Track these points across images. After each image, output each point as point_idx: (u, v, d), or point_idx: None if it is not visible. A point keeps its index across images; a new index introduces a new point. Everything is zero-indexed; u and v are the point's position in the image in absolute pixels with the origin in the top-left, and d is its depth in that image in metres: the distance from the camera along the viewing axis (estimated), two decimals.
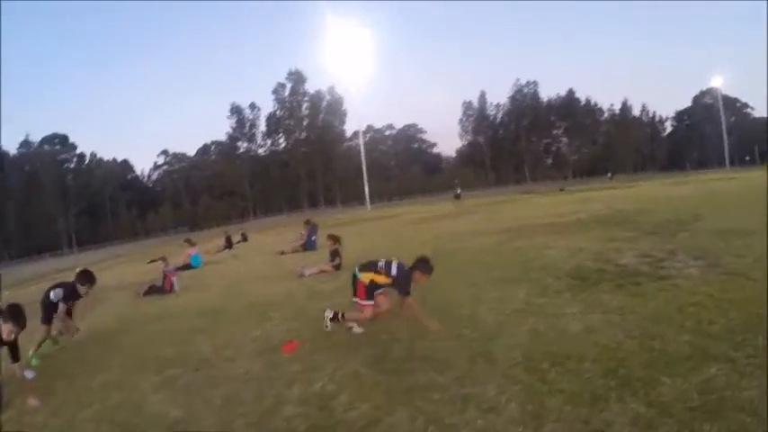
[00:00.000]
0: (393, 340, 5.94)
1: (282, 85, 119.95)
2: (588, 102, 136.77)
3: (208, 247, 28.62)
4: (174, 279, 13.33)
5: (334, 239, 12.91)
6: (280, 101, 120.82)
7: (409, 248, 13.63)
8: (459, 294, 7.63)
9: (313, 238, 18.94)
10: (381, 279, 6.25)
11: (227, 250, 25.88)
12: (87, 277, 7.77)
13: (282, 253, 18.75)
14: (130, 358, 6.82)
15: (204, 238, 41.32)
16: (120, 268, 27.23)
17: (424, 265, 6.25)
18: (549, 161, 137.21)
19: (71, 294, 7.76)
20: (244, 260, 19.82)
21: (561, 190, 51.38)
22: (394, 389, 4.49)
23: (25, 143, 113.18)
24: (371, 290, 6.32)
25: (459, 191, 40.27)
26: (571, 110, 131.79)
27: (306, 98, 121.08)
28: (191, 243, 20.88)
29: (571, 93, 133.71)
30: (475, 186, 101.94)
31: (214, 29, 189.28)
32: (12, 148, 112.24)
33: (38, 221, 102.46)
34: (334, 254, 12.56)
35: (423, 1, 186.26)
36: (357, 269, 6.47)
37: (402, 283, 6.14)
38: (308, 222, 20.40)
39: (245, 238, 31.09)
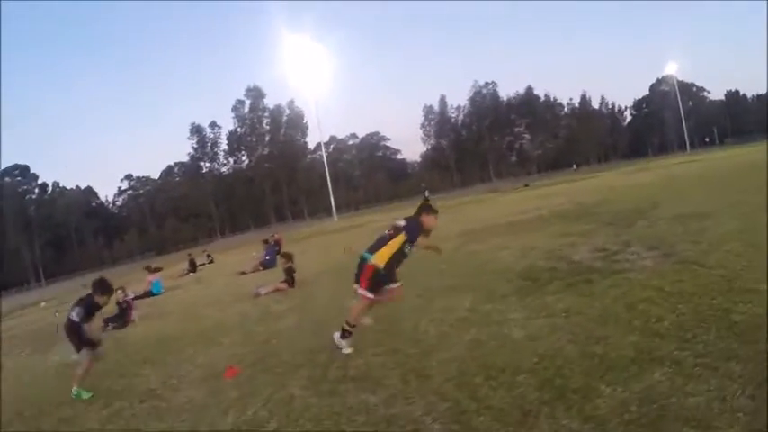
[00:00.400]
0: (332, 360, 5.67)
1: (242, 102, 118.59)
2: (548, 97, 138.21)
3: (173, 271, 28.22)
4: (133, 309, 13.20)
5: (287, 257, 12.76)
6: (240, 118, 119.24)
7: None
8: (404, 305, 7.29)
9: (267, 257, 18.73)
10: (400, 239, 6.00)
11: (190, 274, 25.31)
12: (103, 287, 7.18)
13: (243, 273, 18.50)
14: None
15: (171, 261, 40.71)
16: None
17: (426, 208, 6.39)
18: (513, 158, 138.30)
19: (92, 308, 7.14)
20: (205, 283, 19.42)
21: (526, 186, 51.64)
22: (323, 412, 4.33)
23: None
24: (378, 280, 5.95)
25: (427, 194, 39.69)
26: (531, 107, 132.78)
27: (266, 114, 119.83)
28: (150, 270, 20.75)
29: (530, 90, 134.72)
30: (441, 189, 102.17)
31: (170, 49, 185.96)
32: None
33: (2, 255, 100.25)
34: (288, 271, 12.29)
35: (374, 10, 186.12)
36: (366, 252, 6.11)
37: (413, 228, 6.09)
38: (265, 242, 20.29)
39: (210, 260, 30.54)
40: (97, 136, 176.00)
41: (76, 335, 6.93)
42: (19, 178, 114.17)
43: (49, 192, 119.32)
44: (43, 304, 33.29)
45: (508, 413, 3.55)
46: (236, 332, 8.41)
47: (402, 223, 6.12)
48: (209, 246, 67.44)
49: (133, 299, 15.89)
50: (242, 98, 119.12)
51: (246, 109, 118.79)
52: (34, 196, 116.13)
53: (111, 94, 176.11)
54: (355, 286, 5.99)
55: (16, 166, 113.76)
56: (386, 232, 6.19)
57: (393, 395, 4.39)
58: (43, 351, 11.42)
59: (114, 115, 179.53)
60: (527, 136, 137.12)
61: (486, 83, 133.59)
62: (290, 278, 12.14)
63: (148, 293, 18.37)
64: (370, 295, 5.87)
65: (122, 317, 12.78)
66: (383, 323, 6.62)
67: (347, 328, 5.89)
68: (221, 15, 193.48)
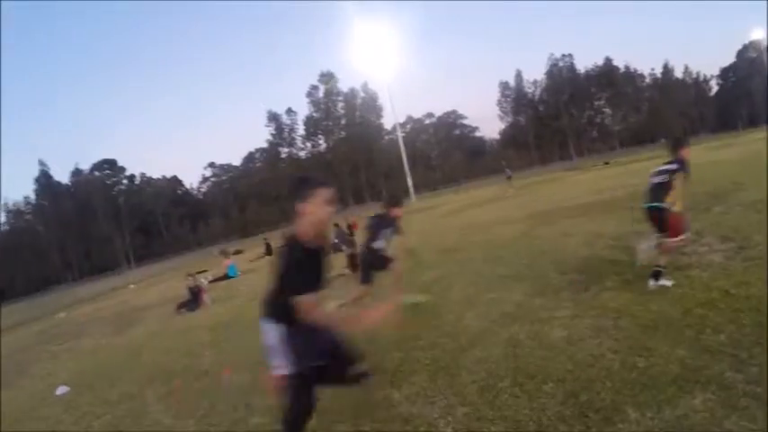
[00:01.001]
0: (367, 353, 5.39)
1: (316, 87, 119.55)
2: (628, 68, 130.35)
3: (251, 254, 29.18)
4: (205, 293, 14.02)
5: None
6: (315, 103, 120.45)
7: (433, 242, 13.84)
8: (454, 296, 7.10)
9: (336, 240, 18.68)
10: (680, 176, 5.99)
11: (267, 257, 25.85)
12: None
13: None
14: (145, 371, 7.70)
15: (253, 244, 41.69)
16: (170, 282, 27.79)
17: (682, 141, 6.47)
18: (594, 134, 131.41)
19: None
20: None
21: (606, 163, 49.46)
22: (345, 405, 4.32)
23: (77, 171, 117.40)
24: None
25: (509, 172, 38.32)
26: (611, 79, 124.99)
27: (340, 97, 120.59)
28: (226, 255, 21.34)
29: (608, 61, 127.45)
30: (519, 167, 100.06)
31: (243, 36, 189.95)
32: (64, 177, 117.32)
33: (96, 243, 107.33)
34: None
35: None
36: (652, 203, 6.11)
37: (682, 162, 6.12)
38: (335, 225, 20.25)
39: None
40: (181, 128, 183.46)
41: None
42: (108, 171, 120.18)
43: (137, 182, 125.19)
44: (132, 286, 35.00)
45: (524, 426, 3.32)
46: None
47: (672, 166, 6.06)
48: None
49: (210, 281, 18.05)
50: (315, 83, 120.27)
51: (321, 94, 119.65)
52: (123, 187, 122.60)
53: (188, 86, 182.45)
54: (658, 237, 6.20)
55: (105, 161, 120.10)
56: (655, 180, 6.15)
57: (417, 393, 4.34)
58: (118, 333, 12.59)
59: (194, 106, 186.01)
60: (607, 110, 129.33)
61: (563, 55, 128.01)
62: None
63: (225, 276, 19.22)
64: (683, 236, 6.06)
65: (195, 301, 13.60)
66: (427, 315, 6.47)
67: (659, 269, 5.83)
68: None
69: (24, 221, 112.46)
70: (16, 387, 9.23)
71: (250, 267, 22.34)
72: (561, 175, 42.51)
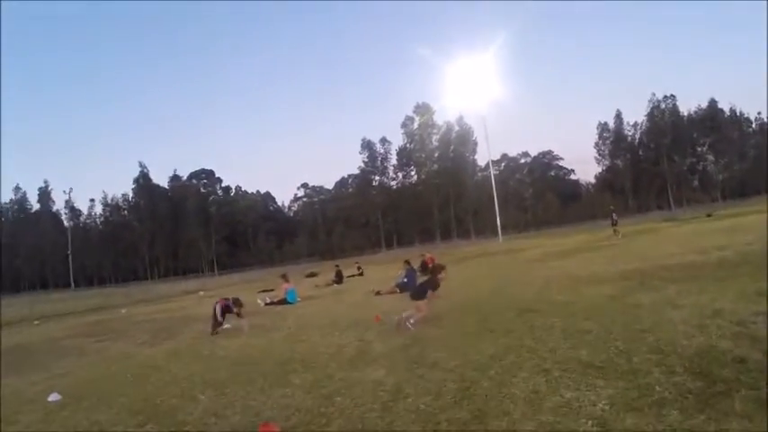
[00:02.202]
0: None
1: (411, 119, 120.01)
2: (733, 111, 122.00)
3: (324, 279, 28.76)
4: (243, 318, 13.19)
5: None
6: (409, 134, 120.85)
7: (508, 296, 12.40)
8: (515, 389, 5.33)
9: (406, 279, 17.44)
10: None
11: (335, 285, 25.12)
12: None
13: (378, 293, 17.54)
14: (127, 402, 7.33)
15: (330, 268, 41.20)
16: (240, 294, 27.65)
17: None
18: (695, 183, 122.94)
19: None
20: (339, 298, 18.73)
21: (708, 215, 45.38)
22: None
23: (175, 177, 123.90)
24: None
25: (615, 218, 35.70)
26: (715, 122, 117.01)
27: (435, 130, 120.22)
28: (286, 279, 21.00)
29: (713, 103, 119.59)
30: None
31: (341, 66, 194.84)
32: (163, 181, 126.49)
33: (183, 246, 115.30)
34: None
35: (542, 26, 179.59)
36: None
37: None
38: (406, 263, 18.96)
39: (360, 272, 30.09)
40: (279, 148, 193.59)
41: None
42: (204, 180, 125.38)
43: (232, 194, 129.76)
44: (201, 293, 35.00)
45: None
46: (311, 373, 7.48)
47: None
48: (375, 256, 67.89)
49: (267, 304, 18.72)
50: (411, 115, 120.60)
51: (415, 125, 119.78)
52: (217, 197, 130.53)
53: (290, 111, 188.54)
54: None
55: (203, 170, 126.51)
56: None
57: None
58: (153, 342, 12.98)
59: (294, 129, 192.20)
60: (710, 156, 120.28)
61: (665, 96, 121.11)
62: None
63: (283, 301, 18.82)
64: None
65: (218, 323, 13.15)
66: (466, 412, 4.80)
67: None
68: (392, 30, 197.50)
69: (121, 216, 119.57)
70: (22, 378, 10.01)
71: (314, 294, 21.66)
72: (659, 226, 39.39)
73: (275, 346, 10.19)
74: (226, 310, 12.99)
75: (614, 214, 36.82)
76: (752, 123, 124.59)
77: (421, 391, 5.78)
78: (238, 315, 12.87)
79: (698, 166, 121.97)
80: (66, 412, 7.07)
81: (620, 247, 23.32)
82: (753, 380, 4.76)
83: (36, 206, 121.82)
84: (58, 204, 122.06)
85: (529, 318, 9.18)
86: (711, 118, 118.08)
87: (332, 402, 5.87)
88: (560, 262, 20.95)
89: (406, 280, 17.27)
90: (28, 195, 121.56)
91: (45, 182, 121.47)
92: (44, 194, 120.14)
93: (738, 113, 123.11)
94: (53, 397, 7.81)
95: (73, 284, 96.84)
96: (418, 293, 10.29)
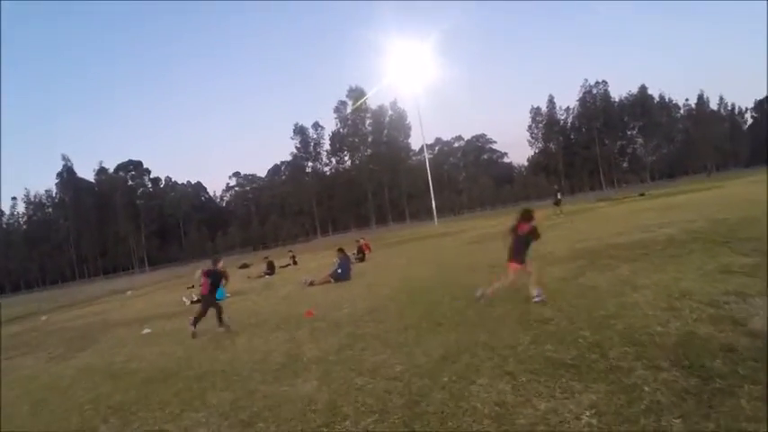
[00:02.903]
0: None
1: (344, 103, 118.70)
2: (662, 98, 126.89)
3: (254, 271, 27.96)
4: None
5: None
6: (342, 119, 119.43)
7: (451, 281, 11.71)
8: (473, 401, 4.45)
9: (339, 270, 16.50)
10: None
11: (266, 276, 23.89)
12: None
13: (311, 284, 16.40)
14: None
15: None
16: (168, 292, 27.22)
17: None
18: (625, 165, 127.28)
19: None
20: (269, 293, 17.31)
21: (641, 195, 46.09)
22: None
23: (101, 170, 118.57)
24: None
25: (559, 195, 35.22)
26: (645, 108, 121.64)
27: (368, 114, 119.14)
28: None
29: (643, 89, 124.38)
30: (548, 195, 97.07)
31: (275, 48, 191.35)
32: (89, 175, 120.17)
33: (112, 242, 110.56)
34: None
35: (481, 10, 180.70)
36: None
37: None
38: (340, 251, 18.01)
39: (294, 261, 28.86)
40: (209, 136, 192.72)
41: None
42: (132, 172, 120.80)
43: (161, 185, 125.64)
44: (129, 293, 33.27)
45: None
46: (234, 388, 6.36)
47: None
48: (309, 243, 66.60)
49: (194, 302, 16.76)
50: (344, 99, 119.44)
51: (348, 110, 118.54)
52: (147, 189, 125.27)
53: (219, 95, 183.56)
54: None
55: (130, 162, 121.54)
56: None
57: None
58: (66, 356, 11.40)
59: (224, 116, 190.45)
60: (640, 140, 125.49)
61: (597, 82, 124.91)
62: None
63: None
64: None
65: None
66: None
67: None
68: (325, 15, 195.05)
69: (45, 214, 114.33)
70: None
71: (244, 288, 19.99)
72: (594, 206, 39.50)
73: (195, 354, 9.00)
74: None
75: (559, 193, 36.64)
76: (680, 109, 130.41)
77: (361, 410, 4.77)
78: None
79: (628, 148, 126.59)
80: None
81: (563, 227, 22.87)
82: (751, 371, 4.08)
83: None
84: None
85: (479, 308, 8.34)
86: (641, 103, 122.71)
87: (253, 429, 4.85)
88: (499, 244, 20.36)
89: (339, 270, 16.37)
90: None
91: None
92: None
93: (668, 99, 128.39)
94: None
95: None
96: None
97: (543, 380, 4.64)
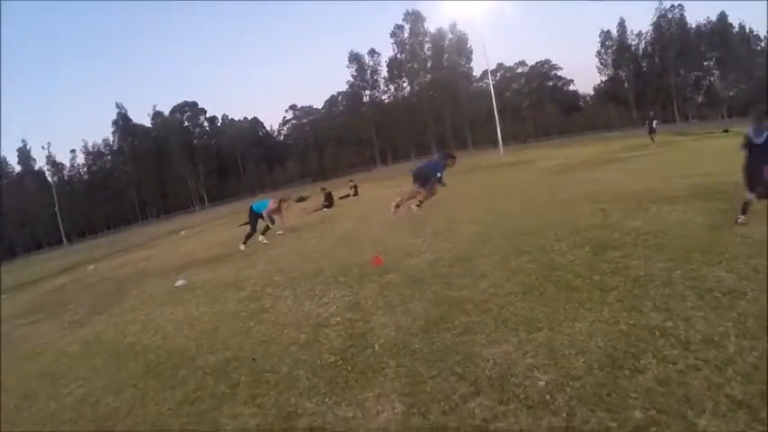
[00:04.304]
0: None
1: (400, 27, 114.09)
2: (743, 28, 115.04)
3: (312, 204, 26.74)
4: None
5: None
6: (399, 44, 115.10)
7: (553, 221, 9.70)
8: None
9: (437, 175, 13.82)
10: None
11: (325, 209, 22.61)
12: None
13: (398, 207, 14.42)
14: None
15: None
16: (225, 227, 26.97)
17: None
18: (701, 99, 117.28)
19: None
20: (325, 229, 15.79)
21: (725, 131, 41.77)
22: None
23: (157, 114, 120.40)
24: None
25: (654, 125, 32.85)
26: (724, 38, 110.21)
27: (427, 38, 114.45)
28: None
29: (723, 16, 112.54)
30: (618, 126, 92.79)
31: None
32: (145, 120, 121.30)
33: (171, 183, 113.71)
34: None
35: None
36: None
37: None
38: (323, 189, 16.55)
39: (355, 192, 27.47)
40: (264, 71, 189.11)
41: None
42: (188, 113, 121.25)
43: (218, 124, 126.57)
44: (183, 232, 32.68)
45: None
46: (264, 396, 4.51)
47: None
48: (370, 173, 65.39)
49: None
50: (401, 23, 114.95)
51: (406, 34, 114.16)
52: (203, 129, 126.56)
53: (271, 28, 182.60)
54: None
55: (186, 103, 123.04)
56: None
57: None
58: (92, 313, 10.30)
59: (277, 49, 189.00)
60: (717, 72, 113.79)
61: (673, 5, 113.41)
62: None
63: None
64: None
65: None
66: None
67: None
68: None
69: (104, 162, 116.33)
70: None
71: (299, 224, 18.44)
72: (676, 140, 36.44)
73: (222, 324, 7.15)
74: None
75: (654, 121, 34.09)
76: (761, 42, 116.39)
77: None
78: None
79: (704, 81, 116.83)
80: None
81: (657, 158, 20.64)
82: None
83: (18, 168, 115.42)
84: (40, 162, 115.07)
85: (618, 261, 6.44)
86: (720, 32, 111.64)
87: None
88: (589, 174, 18.44)
89: (439, 174, 13.81)
90: (8, 160, 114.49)
91: (23, 141, 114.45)
92: (23, 155, 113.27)
93: (749, 30, 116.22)
94: None
95: (65, 240, 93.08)
96: None
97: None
